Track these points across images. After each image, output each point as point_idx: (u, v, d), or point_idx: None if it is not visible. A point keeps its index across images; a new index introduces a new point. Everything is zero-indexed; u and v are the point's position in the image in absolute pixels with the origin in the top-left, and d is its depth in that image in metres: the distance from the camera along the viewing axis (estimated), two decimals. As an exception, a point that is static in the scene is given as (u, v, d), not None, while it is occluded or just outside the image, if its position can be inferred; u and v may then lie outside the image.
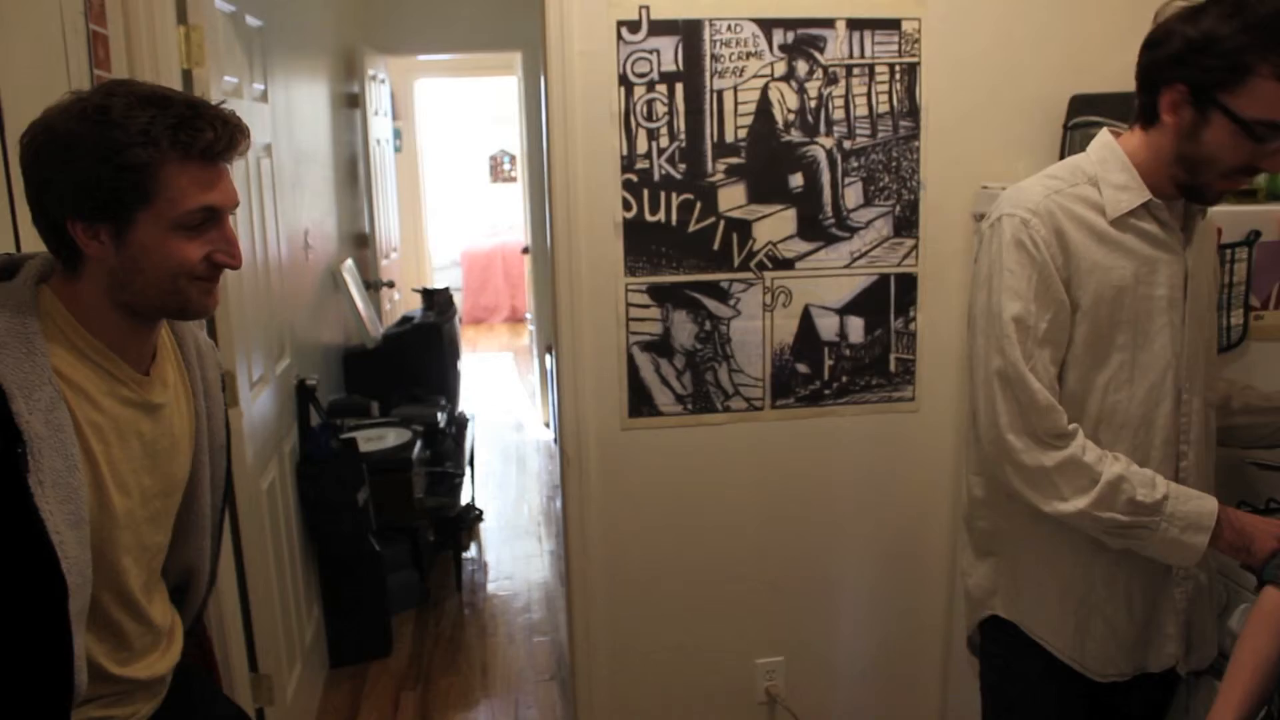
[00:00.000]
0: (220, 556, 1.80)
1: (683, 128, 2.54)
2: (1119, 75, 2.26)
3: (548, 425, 6.71)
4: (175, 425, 1.56)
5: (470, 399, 6.91)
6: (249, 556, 2.84)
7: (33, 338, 1.33)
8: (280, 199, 3.45)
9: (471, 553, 4.98)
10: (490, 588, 4.61)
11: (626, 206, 2.55)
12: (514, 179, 10.63)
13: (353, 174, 5.57)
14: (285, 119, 3.83)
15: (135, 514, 1.47)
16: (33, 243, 1.68)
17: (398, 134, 8.26)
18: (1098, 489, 1.72)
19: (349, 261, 5.14)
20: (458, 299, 9.31)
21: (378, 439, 4.29)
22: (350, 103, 5.57)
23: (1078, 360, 1.79)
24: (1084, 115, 2.52)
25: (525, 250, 7.07)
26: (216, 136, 1.38)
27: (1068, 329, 1.77)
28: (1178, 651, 1.90)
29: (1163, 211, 1.78)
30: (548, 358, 6.23)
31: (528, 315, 7.94)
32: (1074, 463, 1.73)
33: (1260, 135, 1.61)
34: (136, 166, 1.32)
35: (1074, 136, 2.54)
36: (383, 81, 6.31)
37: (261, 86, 3.28)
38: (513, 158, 10.73)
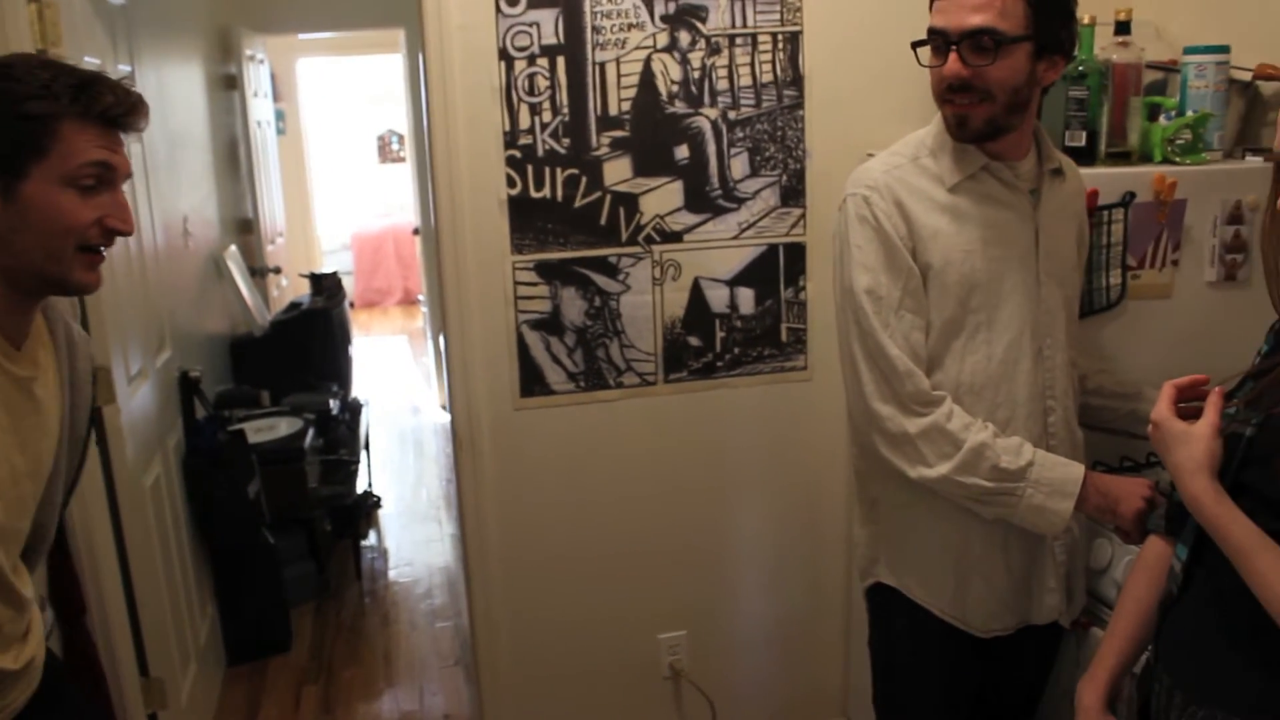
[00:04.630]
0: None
1: (565, 101, 2.50)
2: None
3: (444, 408, 6.63)
4: (45, 406, 1.53)
5: (365, 384, 6.79)
6: (134, 557, 2.74)
7: None
8: (154, 185, 3.33)
9: (371, 540, 4.89)
10: (391, 575, 4.54)
11: (510, 183, 2.51)
12: (403, 159, 10.43)
13: (233, 158, 5.41)
14: (157, 102, 3.66)
15: (5, 493, 1.44)
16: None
17: (280, 115, 8.05)
18: (960, 455, 1.77)
19: (232, 248, 5.00)
20: (349, 282, 9.13)
21: (269, 429, 4.18)
22: (228, 84, 5.41)
23: (933, 325, 1.83)
24: (964, 81, 2.54)
25: (416, 231, 6.96)
26: (116, 100, 1.40)
27: (924, 295, 1.82)
28: (1059, 604, 1.96)
29: (1005, 173, 1.83)
30: (441, 339, 6.14)
31: (420, 297, 7.82)
32: (937, 429, 1.78)
33: (931, 48, 1.77)
34: (35, 116, 1.34)
35: (954, 102, 2.56)
36: (261, 62, 6.14)
37: (128, 68, 3.15)
38: (401, 137, 10.53)
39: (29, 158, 1.34)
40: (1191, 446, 1.36)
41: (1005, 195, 1.83)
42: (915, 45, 1.80)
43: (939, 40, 1.75)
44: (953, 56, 1.72)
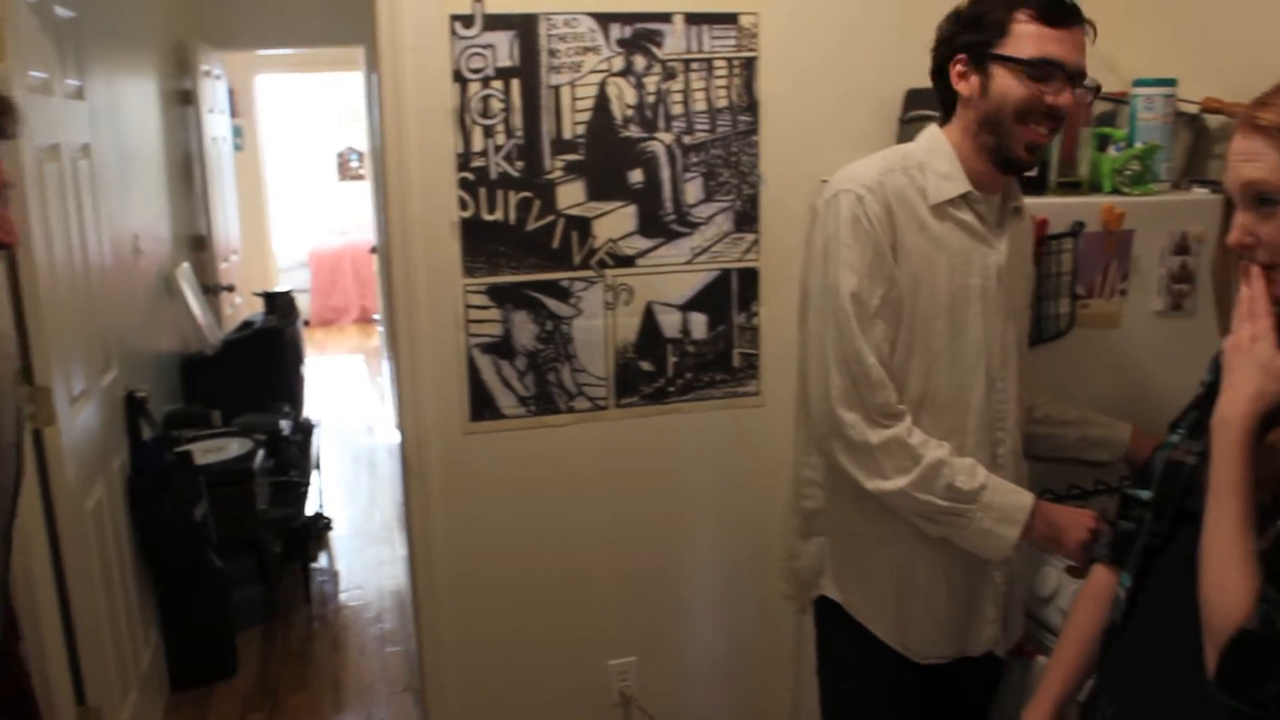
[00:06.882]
0: (8, 569, 1.68)
1: (520, 124, 2.48)
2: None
3: (399, 428, 6.56)
4: None
5: (320, 403, 6.73)
6: (73, 582, 2.69)
7: None
8: (103, 201, 3.28)
9: (322, 563, 4.83)
10: (341, 598, 4.48)
11: (463, 205, 2.49)
12: (363, 176, 10.39)
13: (187, 174, 5.35)
14: (108, 117, 3.65)
15: None
16: None
17: (238, 132, 7.99)
18: (918, 470, 1.76)
19: (185, 265, 4.94)
20: (305, 300, 9.06)
21: (218, 450, 4.13)
22: (183, 100, 5.36)
23: (900, 341, 1.82)
24: (918, 109, 2.55)
25: (374, 250, 6.91)
26: None
27: (900, 306, 1.81)
28: (996, 634, 1.96)
29: (980, 204, 1.84)
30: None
31: (376, 316, 7.76)
32: (898, 442, 1.77)
33: (1040, 73, 1.71)
34: None
35: (909, 130, 2.56)
36: (218, 77, 6.09)
37: (76, 83, 3.10)
38: (361, 155, 10.48)
39: None
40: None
41: (977, 226, 1.83)
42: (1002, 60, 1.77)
43: (1055, 71, 1.72)
44: (1069, 92, 1.73)
